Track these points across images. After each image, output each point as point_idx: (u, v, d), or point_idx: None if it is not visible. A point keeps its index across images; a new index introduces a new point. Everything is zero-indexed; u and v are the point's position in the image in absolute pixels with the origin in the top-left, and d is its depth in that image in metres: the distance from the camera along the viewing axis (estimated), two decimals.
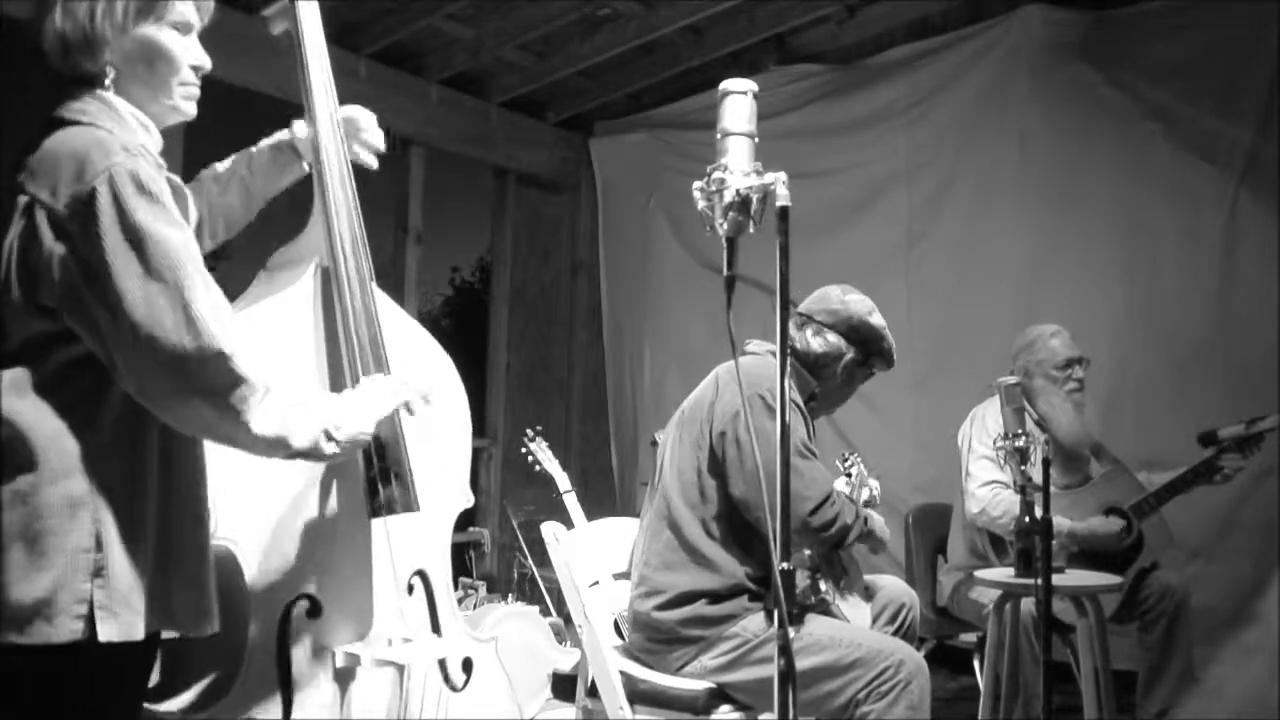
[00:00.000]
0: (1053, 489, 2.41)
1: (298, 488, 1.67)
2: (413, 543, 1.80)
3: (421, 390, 1.66)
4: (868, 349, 2.56)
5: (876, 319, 2.57)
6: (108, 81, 1.41)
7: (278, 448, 1.40)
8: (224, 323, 1.34)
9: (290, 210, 1.90)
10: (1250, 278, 3.63)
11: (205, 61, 1.50)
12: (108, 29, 1.39)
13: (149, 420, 1.36)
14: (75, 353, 1.31)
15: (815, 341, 2.54)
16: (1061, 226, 4.04)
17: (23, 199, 1.30)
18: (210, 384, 1.32)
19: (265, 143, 1.82)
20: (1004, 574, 2.82)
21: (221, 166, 1.79)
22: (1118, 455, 3.42)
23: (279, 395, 1.38)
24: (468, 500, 1.96)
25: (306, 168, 1.82)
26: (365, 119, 1.87)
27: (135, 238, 1.29)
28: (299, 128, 1.82)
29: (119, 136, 1.36)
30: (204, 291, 1.33)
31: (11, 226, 1.30)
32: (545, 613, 4.08)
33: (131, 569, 1.32)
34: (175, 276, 1.30)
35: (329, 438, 1.44)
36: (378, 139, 1.88)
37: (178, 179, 1.74)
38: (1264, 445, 3.10)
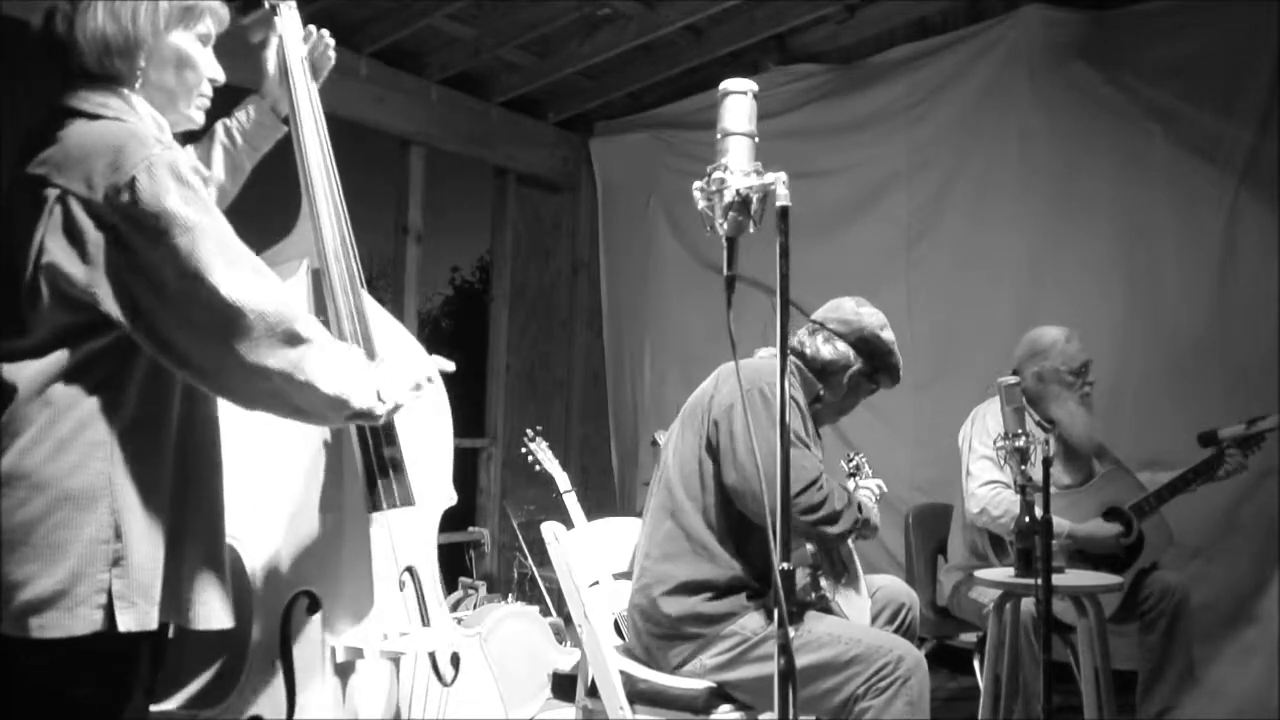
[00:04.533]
0: (1053, 489, 2.41)
1: (299, 484, 1.68)
2: (405, 539, 1.82)
3: (427, 372, 1.67)
4: (875, 362, 2.59)
5: (887, 334, 2.60)
6: (137, 85, 1.43)
7: (340, 408, 1.42)
8: (274, 290, 1.36)
9: (271, 211, 1.90)
10: (1250, 278, 3.63)
11: (220, 75, 1.54)
12: (148, 33, 1.42)
13: (166, 411, 1.38)
14: (100, 344, 1.32)
15: (825, 349, 2.56)
16: (1061, 226, 4.04)
17: (51, 192, 1.30)
18: (276, 347, 1.33)
19: (240, 113, 1.83)
20: (1004, 574, 2.82)
21: (197, 147, 1.80)
22: (1118, 455, 3.42)
23: (331, 351, 1.40)
24: (451, 499, 1.99)
25: (285, 126, 1.83)
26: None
27: (179, 226, 1.30)
28: (268, 88, 1.83)
29: (148, 129, 1.38)
30: (252, 266, 1.35)
31: (38, 224, 1.30)
32: (545, 613, 4.08)
33: (149, 559, 1.33)
34: (224, 260, 1.32)
35: (379, 398, 1.46)
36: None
37: (202, 166, 1.76)
38: (1264, 445, 3.11)
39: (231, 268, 1.32)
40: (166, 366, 1.35)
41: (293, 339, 1.35)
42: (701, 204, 1.44)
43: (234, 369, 1.33)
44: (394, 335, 1.91)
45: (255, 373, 1.33)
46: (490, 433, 5.34)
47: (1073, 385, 3.28)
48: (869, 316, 2.60)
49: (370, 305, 1.82)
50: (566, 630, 3.79)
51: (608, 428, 5.59)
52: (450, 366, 1.82)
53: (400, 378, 1.56)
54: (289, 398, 1.38)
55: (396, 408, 1.52)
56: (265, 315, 1.33)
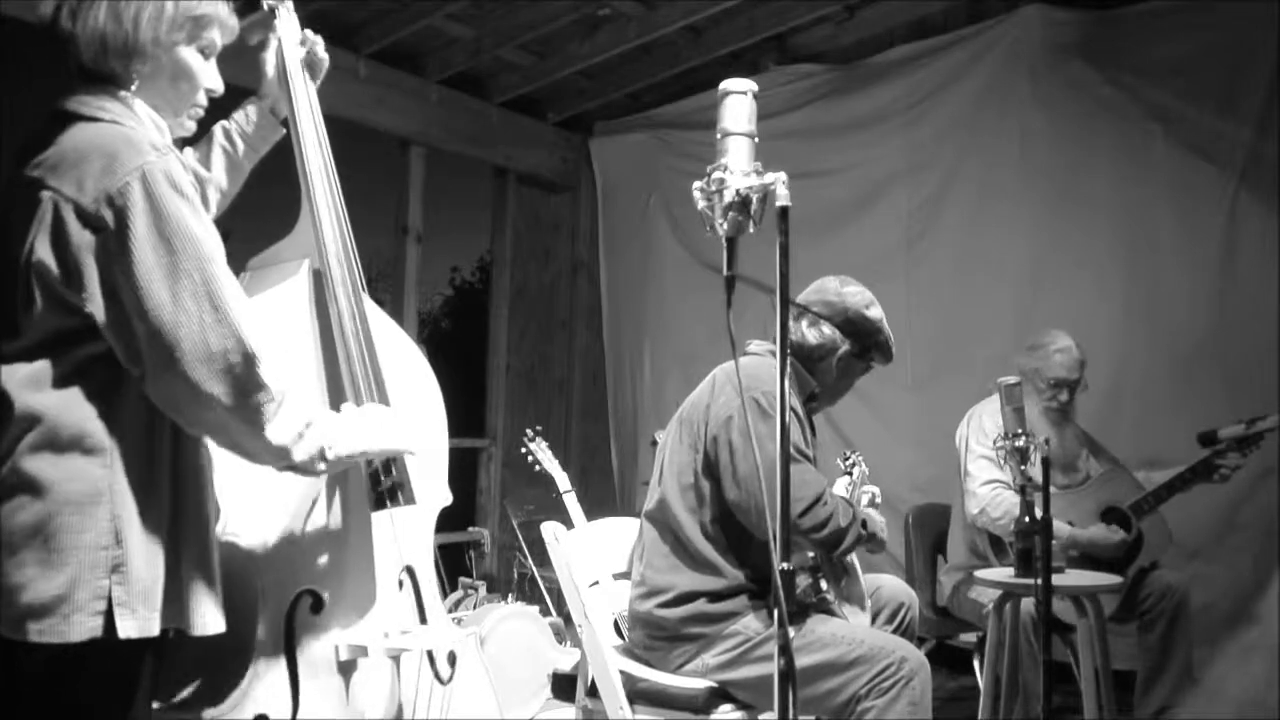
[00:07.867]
0: (1052, 489, 2.41)
1: (303, 482, 1.68)
2: (406, 538, 1.82)
3: (414, 446, 1.70)
4: (864, 342, 2.52)
5: (874, 311, 2.52)
6: (133, 88, 1.42)
7: (280, 458, 1.42)
8: (250, 325, 1.35)
9: (267, 212, 1.90)
10: (1250, 278, 3.63)
11: (219, 86, 1.54)
12: (149, 39, 1.41)
13: (161, 419, 1.37)
14: (95, 349, 1.32)
15: (811, 333, 2.51)
16: (1061, 226, 4.04)
17: (45, 194, 1.30)
18: (233, 386, 1.33)
19: (239, 114, 1.83)
20: (1004, 574, 2.83)
21: (196, 149, 1.80)
22: (1118, 455, 3.42)
23: (292, 406, 1.40)
24: (447, 499, 1.99)
25: (284, 129, 1.83)
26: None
27: (168, 238, 1.30)
28: (267, 89, 1.83)
29: (145, 134, 1.37)
30: (232, 292, 1.35)
31: (31, 226, 1.30)
32: (545, 613, 4.08)
33: (150, 565, 1.32)
34: (205, 277, 1.32)
35: (321, 457, 1.47)
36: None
37: (201, 169, 1.76)
38: (1264, 445, 3.10)
39: (214, 294, 1.32)
40: (129, 370, 1.33)
41: (250, 382, 1.34)
42: (701, 204, 1.44)
43: (185, 388, 1.32)
44: (390, 335, 1.90)
45: (204, 398, 1.32)
46: (490, 433, 5.34)
47: (1041, 392, 3.27)
48: (853, 296, 2.52)
49: (371, 308, 1.82)
50: (566, 630, 3.78)
51: (608, 428, 5.59)
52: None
53: (366, 437, 1.56)
54: (231, 434, 1.38)
55: (344, 464, 1.53)
56: (230, 348, 1.32)
